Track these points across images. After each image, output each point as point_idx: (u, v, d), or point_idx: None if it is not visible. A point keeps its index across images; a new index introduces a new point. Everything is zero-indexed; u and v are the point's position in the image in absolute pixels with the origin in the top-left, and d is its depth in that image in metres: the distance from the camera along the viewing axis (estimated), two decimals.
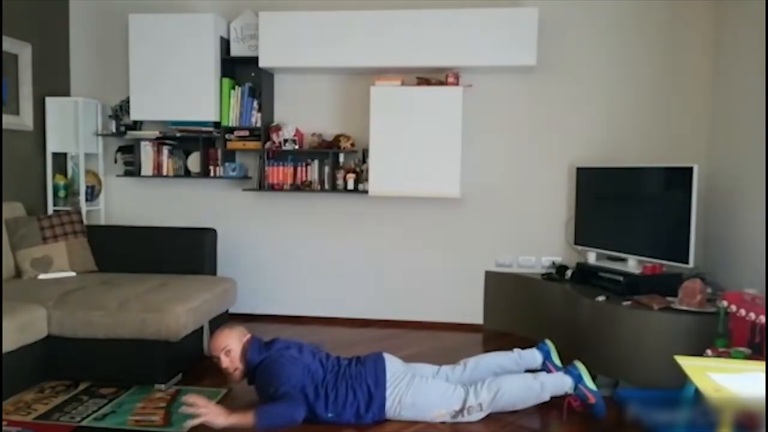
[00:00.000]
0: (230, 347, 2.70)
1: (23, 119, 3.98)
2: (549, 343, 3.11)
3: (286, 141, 4.08)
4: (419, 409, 2.65)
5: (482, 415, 2.69)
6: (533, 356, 3.04)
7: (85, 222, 3.98)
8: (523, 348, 3.09)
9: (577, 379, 2.79)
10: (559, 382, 2.80)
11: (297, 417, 2.49)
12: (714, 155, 3.84)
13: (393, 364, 2.77)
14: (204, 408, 2.41)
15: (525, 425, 2.71)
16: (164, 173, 4.24)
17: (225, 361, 2.69)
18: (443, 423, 2.67)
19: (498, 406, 2.70)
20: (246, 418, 2.42)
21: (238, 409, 2.49)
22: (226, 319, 3.78)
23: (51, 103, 4.15)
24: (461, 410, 2.66)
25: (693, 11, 3.90)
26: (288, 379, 2.55)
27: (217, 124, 4.14)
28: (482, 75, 4.10)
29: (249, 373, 2.71)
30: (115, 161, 4.41)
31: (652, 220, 3.47)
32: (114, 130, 4.26)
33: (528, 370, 2.98)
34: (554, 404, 2.84)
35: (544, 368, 2.99)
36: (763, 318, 2.60)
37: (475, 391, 2.70)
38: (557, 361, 3.02)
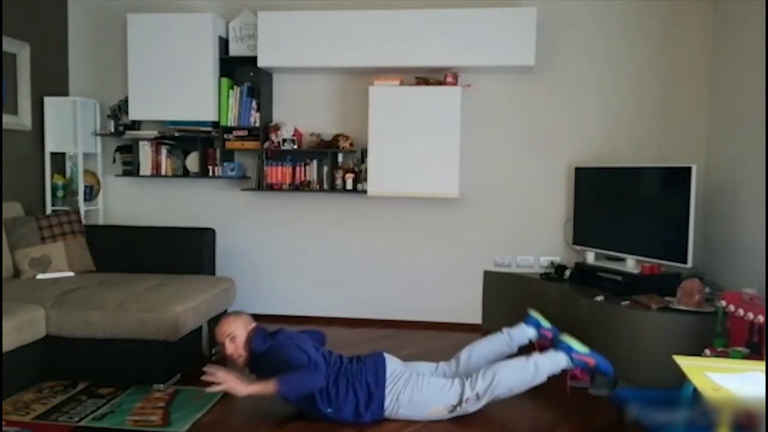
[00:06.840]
0: (235, 333, 2.70)
1: (22, 119, 3.97)
2: (533, 312, 3.08)
3: (284, 141, 4.08)
4: (416, 406, 2.65)
5: (480, 404, 2.67)
6: (523, 332, 3.02)
7: (84, 222, 3.97)
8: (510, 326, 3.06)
9: (568, 350, 2.77)
10: (553, 361, 2.77)
11: (318, 382, 2.53)
12: (712, 155, 3.84)
13: (393, 363, 2.77)
14: (224, 377, 2.44)
15: (523, 425, 2.71)
16: (163, 173, 4.24)
17: (229, 348, 2.70)
18: (441, 422, 2.67)
19: (495, 394, 2.68)
20: (267, 387, 2.46)
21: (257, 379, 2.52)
22: None
23: (49, 102, 4.14)
24: (458, 404, 2.65)
25: (691, 11, 3.91)
26: (303, 355, 2.59)
27: (215, 124, 4.14)
28: (481, 75, 4.10)
29: (252, 361, 2.71)
30: (114, 161, 4.41)
31: (651, 220, 3.48)
32: (112, 130, 4.26)
33: (522, 348, 2.97)
34: (553, 404, 2.84)
35: (541, 337, 2.99)
36: (761, 317, 2.60)
37: (471, 382, 2.69)
38: (548, 325, 3.01)
